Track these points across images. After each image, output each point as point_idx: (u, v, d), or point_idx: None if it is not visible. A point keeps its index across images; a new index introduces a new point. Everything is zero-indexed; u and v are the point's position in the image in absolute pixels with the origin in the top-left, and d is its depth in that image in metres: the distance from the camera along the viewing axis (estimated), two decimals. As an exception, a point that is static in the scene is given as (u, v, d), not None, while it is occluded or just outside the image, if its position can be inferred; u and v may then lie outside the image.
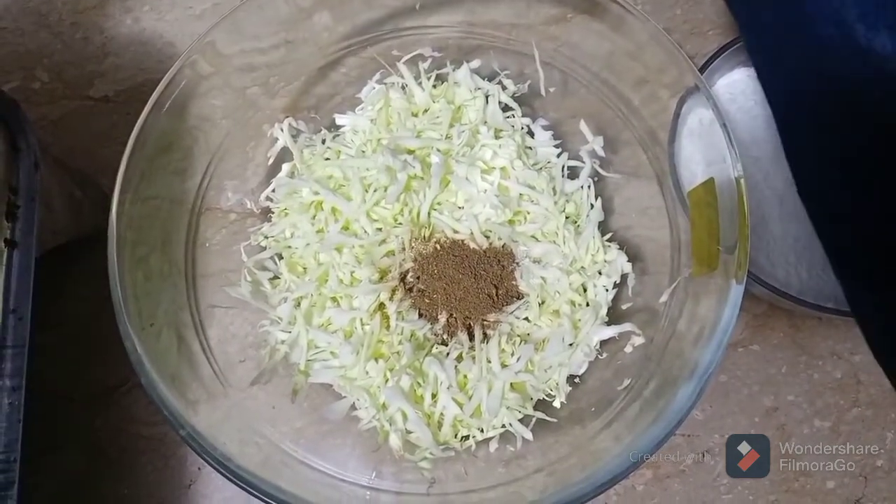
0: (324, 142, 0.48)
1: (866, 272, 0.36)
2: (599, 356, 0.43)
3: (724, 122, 0.37)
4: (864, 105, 0.34)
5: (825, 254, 0.39)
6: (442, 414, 0.41)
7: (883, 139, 0.34)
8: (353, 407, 0.43)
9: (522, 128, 0.48)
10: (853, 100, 0.34)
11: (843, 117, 0.35)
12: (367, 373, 0.42)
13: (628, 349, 0.42)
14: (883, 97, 0.33)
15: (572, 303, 0.44)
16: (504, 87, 0.48)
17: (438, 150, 0.45)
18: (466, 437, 0.42)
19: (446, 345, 0.43)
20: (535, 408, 0.42)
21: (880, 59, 0.33)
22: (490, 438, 0.42)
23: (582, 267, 0.45)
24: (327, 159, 0.47)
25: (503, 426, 0.41)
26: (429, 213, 0.45)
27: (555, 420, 0.42)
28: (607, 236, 0.46)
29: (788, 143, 0.40)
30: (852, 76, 0.34)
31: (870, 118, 0.34)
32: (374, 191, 0.44)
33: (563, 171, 0.47)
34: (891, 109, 0.33)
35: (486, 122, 0.47)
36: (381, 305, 0.43)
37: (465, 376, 0.42)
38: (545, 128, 0.48)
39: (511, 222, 0.45)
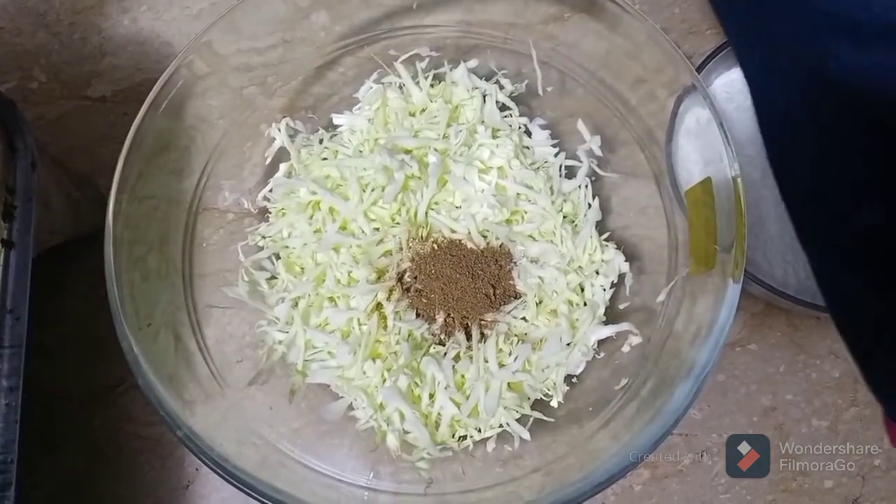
0: (321, 142, 0.48)
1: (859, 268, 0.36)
2: (597, 356, 0.43)
3: (721, 122, 0.38)
4: (810, 65, 0.34)
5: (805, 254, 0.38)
6: (439, 414, 0.41)
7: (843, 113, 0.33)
8: (351, 407, 0.43)
9: (520, 127, 0.48)
10: (811, 65, 0.34)
11: (808, 93, 0.35)
12: (364, 373, 0.42)
13: (626, 349, 0.42)
14: (830, 56, 0.33)
15: (570, 302, 0.44)
16: (501, 87, 0.48)
17: (436, 150, 0.45)
18: (464, 437, 0.42)
19: (444, 345, 0.43)
20: (533, 407, 0.42)
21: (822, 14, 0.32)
22: (487, 438, 0.42)
23: (579, 266, 0.45)
24: (325, 159, 0.47)
25: (500, 426, 0.41)
26: (426, 213, 0.45)
27: (552, 420, 0.42)
28: (605, 236, 0.45)
29: (765, 129, 0.40)
30: (806, 36, 0.34)
31: (824, 80, 0.34)
32: (372, 190, 0.44)
33: (560, 170, 0.47)
34: (845, 75, 0.32)
35: (483, 122, 0.47)
36: (379, 305, 0.43)
37: (463, 376, 0.42)
38: (542, 127, 0.48)
39: (508, 222, 0.45)
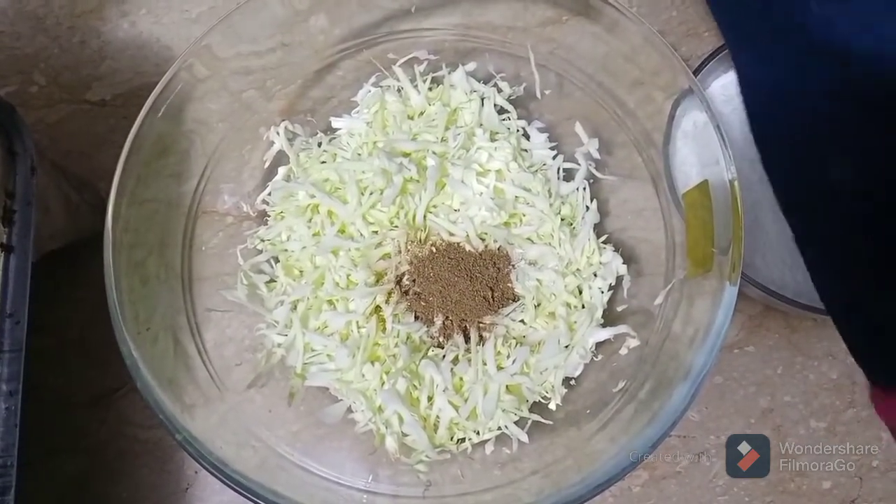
0: (320, 145, 0.48)
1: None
2: (595, 358, 0.43)
3: (718, 125, 0.38)
4: (815, 80, 0.34)
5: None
6: (438, 416, 0.41)
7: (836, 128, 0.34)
8: (350, 410, 0.43)
9: (518, 130, 0.48)
10: (809, 73, 0.35)
11: (801, 100, 0.36)
12: (363, 376, 0.42)
13: (623, 351, 0.42)
14: (833, 67, 0.33)
15: (568, 305, 0.44)
16: (500, 90, 0.48)
17: (434, 153, 0.45)
18: (462, 440, 0.42)
19: (442, 347, 0.43)
20: (531, 410, 0.42)
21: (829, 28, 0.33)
22: (486, 441, 0.42)
23: (577, 269, 0.45)
24: (323, 162, 0.47)
25: (499, 428, 0.41)
26: (424, 216, 0.45)
27: (550, 422, 0.42)
28: (602, 238, 0.46)
29: (758, 132, 0.40)
30: (808, 47, 0.34)
31: (823, 94, 0.34)
32: (370, 194, 0.44)
33: (558, 173, 0.47)
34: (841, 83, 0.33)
35: (481, 125, 0.47)
36: (378, 308, 0.43)
37: (461, 379, 0.42)
38: (541, 130, 0.48)
39: (507, 225, 0.45)
